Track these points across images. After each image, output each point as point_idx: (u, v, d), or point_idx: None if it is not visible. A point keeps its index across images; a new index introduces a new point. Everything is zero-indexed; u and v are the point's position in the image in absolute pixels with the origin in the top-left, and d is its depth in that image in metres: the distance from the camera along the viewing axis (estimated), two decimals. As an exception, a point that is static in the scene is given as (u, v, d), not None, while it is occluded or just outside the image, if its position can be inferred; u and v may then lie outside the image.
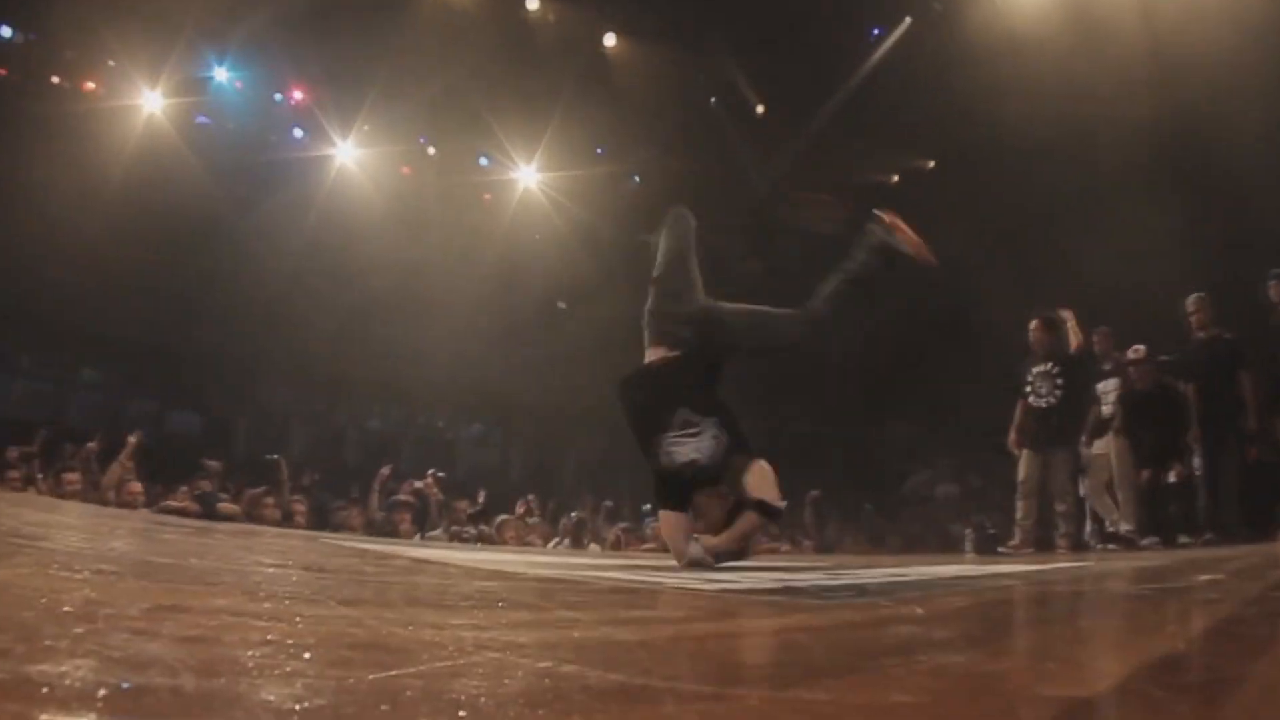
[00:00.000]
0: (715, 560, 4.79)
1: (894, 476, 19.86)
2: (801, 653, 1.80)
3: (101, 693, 0.99)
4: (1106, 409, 11.06)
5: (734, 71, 18.39)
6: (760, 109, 19.02)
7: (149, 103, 16.65)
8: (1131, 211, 13.55)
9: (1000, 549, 10.69)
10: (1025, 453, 10.40)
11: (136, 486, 10.34)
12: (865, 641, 1.98)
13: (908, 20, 16.78)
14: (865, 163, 18.99)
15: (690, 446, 4.91)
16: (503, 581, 3.33)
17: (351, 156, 18.49)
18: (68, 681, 1.00)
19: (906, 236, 5.67)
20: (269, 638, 1.41)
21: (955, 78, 14.87)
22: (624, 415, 5.38)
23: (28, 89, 16.17)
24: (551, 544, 12.18)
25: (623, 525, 13.26)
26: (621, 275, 14.13)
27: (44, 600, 1.63)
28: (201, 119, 17.77)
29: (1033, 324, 10.58)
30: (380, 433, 21.75)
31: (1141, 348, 10.74)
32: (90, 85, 16.62)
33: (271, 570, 3.02)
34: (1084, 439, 11.00)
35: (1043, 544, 10.30)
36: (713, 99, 19.24)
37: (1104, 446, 10.95)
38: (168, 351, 18.02)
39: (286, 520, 10.99)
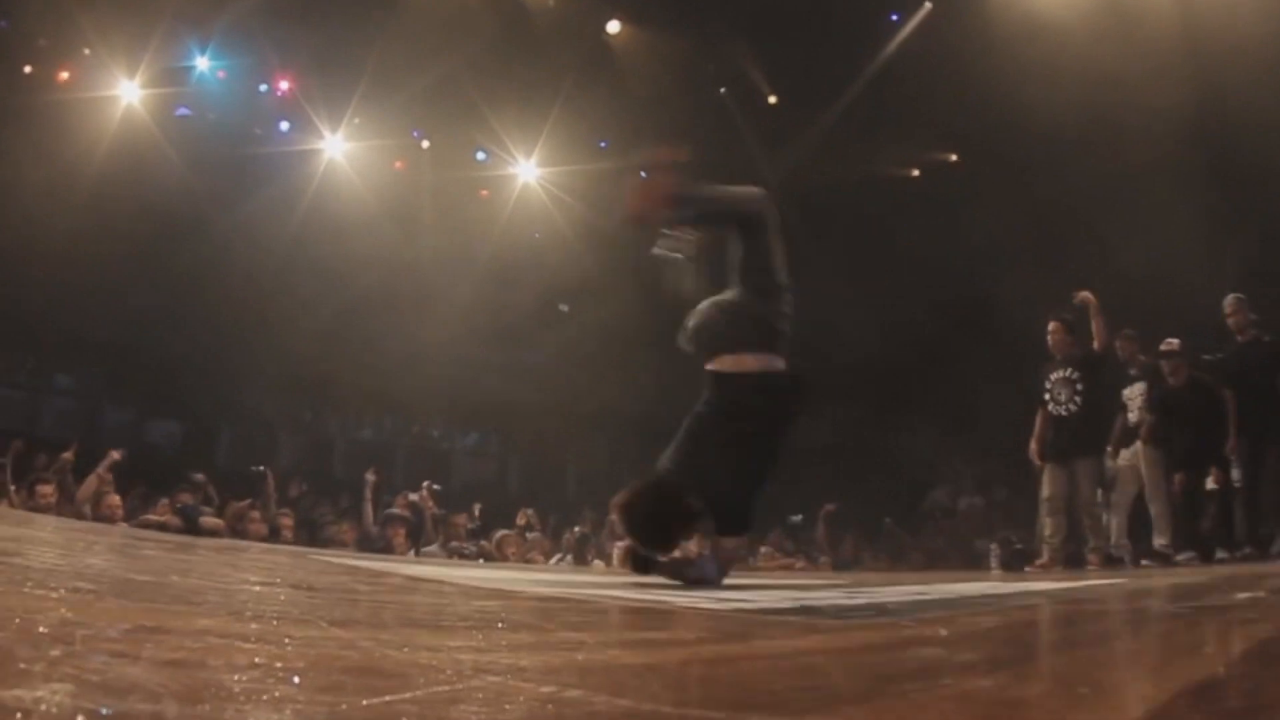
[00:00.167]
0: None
1: (915, 489, 19.82)
2: (819, 677, 1.80)
3: (79, 719, 0.99)
4: (1133, 416, 11.02)
5: (744, 60, 18.36)
6: (772, 99, 18.99)
7: (126, 93, 16.62)
8: (1164, 204, 13.52)
9: (1027, 568, 10.67)
10: (1048, 467, 10.36)
11: (115, 499, 10.34)
12: (886, 664, 1.97)
13: (927, 4, 16.76)
14: (883, 156, 18.99)
15: None
16: (502, 601, 3.34)
17: (341, 150, 18.48)
18: (44, 707, 1.00)
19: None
20: (256, 661, 1.41)
21: (978, 65, 14.84)
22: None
23: (-2, 78, 16.16)
24: (553, 560, 12.18)
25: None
26: (626, 275, 14.14)
27: (18, 620, 1.63)
28: (182, 111, 17.75)
29: (1051, 326, 10.52)
30: (371, 443, 21.76)
31: (1175, 341, 10.69)
32: (64, 75, 16.58)
33: (258, 589, 3.02)
34: (1109, 449, 10.96)
35: (1072, 560, 10.27)
36: (722, 89, 19.23)
37: (1130, 457, 10.92)
38: (146, 356, 18.04)
39: (273, 535, 11.00)
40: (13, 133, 15.04)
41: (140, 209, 16.04)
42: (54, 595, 2.04)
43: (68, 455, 10.96)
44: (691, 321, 5.30)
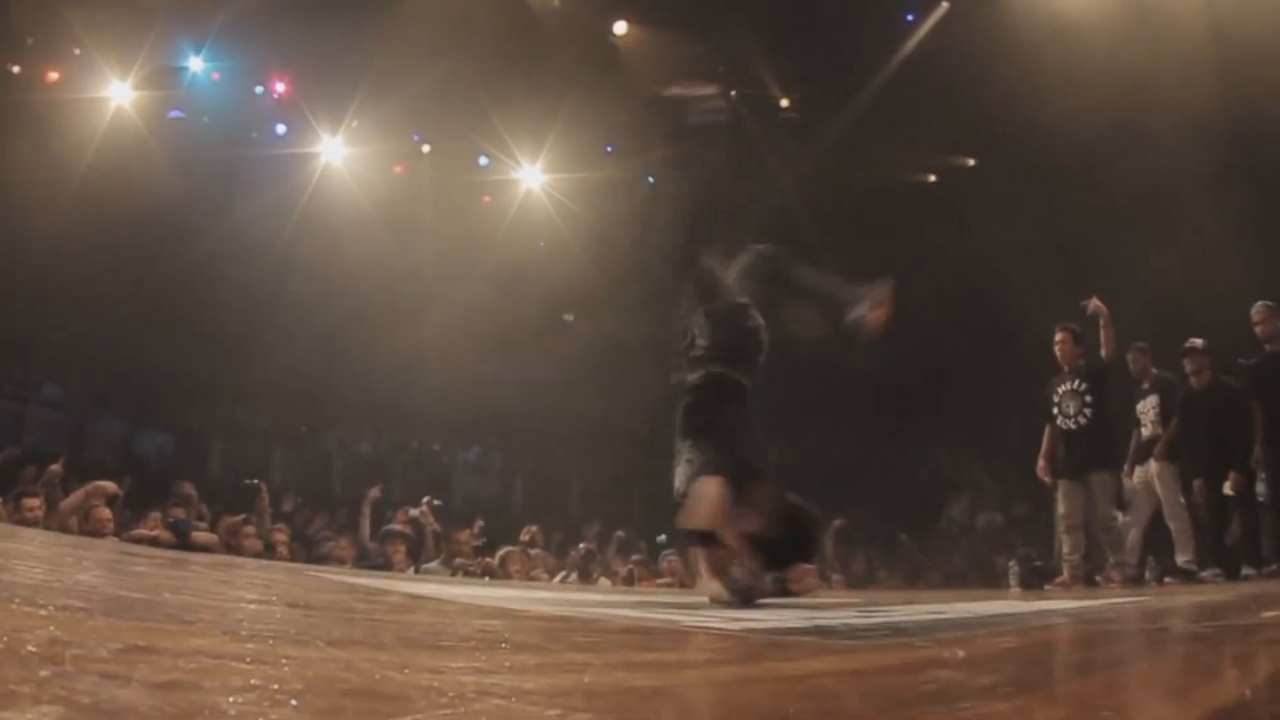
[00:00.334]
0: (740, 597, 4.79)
1: (931, 504, 19.80)
2: (832, 700, 1.80)
3: (71, 743, 0.99)
4: (1146, 430, 11.01)
5: (756, 62, 18.37)
6: (785, 103, 19.00)
7: (117, 95, 16.58)
8: (1193, 213, 13.51)
9: (1047, 586, 10.64)
10: (1062, 484, 10.34)
11: (104, 513, 10.33)
12: (902, 687, 1.97)
13: (944, 3, 16.77)
14: (899, 161, 18.99)
15: (675, 475, 5.01)
16: (505, 620, 3.34)
17: (339, 154, 18.48)
18: (34, 731, 1.01)
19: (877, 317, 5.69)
20: (252, 682, 1.41)
21: (997, 66, 14.81)
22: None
23: (-16, 79, 16.17)
24: (557, 578, 12.18)
25: (635, 558, 13.26)
26: (632, 285, 14.12)
27: (5, 639, 1.62)
28: (175, 113, 17.73)
29: (1058, 336, 10.51)
30: (369, 457, 21.74)
31: (1199, 340, 10.68)
32: (53, 75, 16.53)
33: (253, 607, 3.03)
34: (1125, 468, 10.93)
35: (1093, 578, 10.25)
36: (733, 92, 19.23)
37: (1145, 474, 10.89)
38: (137, 366, 18.06)
39: (268, 551, 11.00)
40: (-1, 135, 15.07)
41: (131, 214, 15.99)
42: (42, 613, 2.04)
43: (56, 468, 10.94)
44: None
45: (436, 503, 13.39)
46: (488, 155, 19.45)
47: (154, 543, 9.22)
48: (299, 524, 13.72)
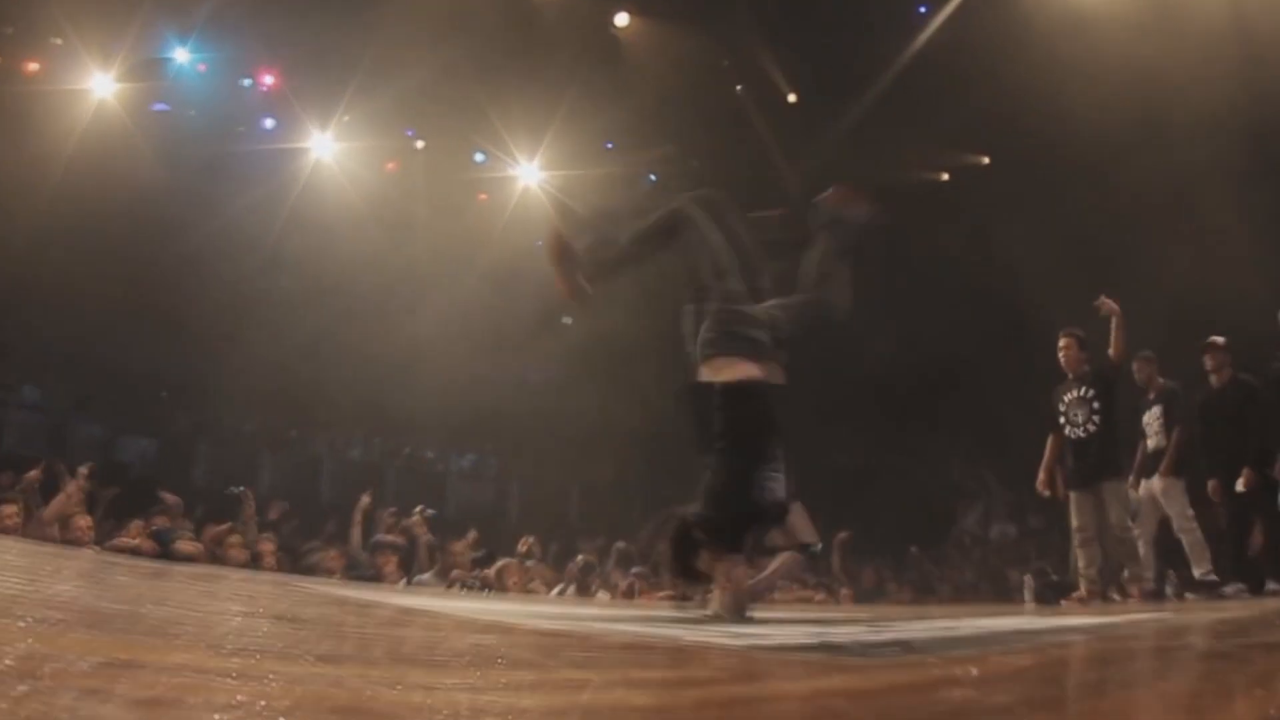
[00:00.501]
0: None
1: (943, 515, 19.79)
2: (841, 720, 1.79)
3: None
4: (1151, 442, 11.01)
5: (762, 55, 18.37)
6: (792, 98, 19.00)
7: (100, 87, 16.60)
8: (1213, 212, 13.51)
9: (1063, 601, 10.62)
10: (1073, 495, 10.32)
11: (84, 521, 10.33)
12: (913, 707, 1.97)
13: (958, -5, 16.79)
14: (910, 158, 18.99)
15: (779, 484, 4.93)
16: (501, 635, 3.34)
17: (329, 150, 18.51)
18: (11, 750, 1.00)
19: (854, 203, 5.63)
20: (237, 699, 1.41)
21: (1012, 60, 14.81)
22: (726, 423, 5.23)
23: (-39, 69, 16.17)
24: (555, 591, 12.17)
25: (636, 570, 13.24)
26: (632, 286, 14.10)
27: (-19, 654, 1.63)
28: (159, 106, 17.76)
29: (1062, 342, 10.48)
30: (360, 463, 21.72)
31: (1221, 338, 10.69)
32: (33, 66, 16.54)
33: (239, 620, 3.03)
34: (1130, 480, 10.92)
35: (1110, 593, 10.23)
36: (738, 87, 19.24)
37: (1150, 488, 10.87)
38: (119, 368, 18.06)
39: (254, 561, 10.98)
40: (-24, 128, 15.06)
41: (114, 210, 15.97)
42: (19, 625, 2.04)
43: (34, 474, 10.93)
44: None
45: (430, 512, 13.35)
46: (484, 151, 19.46)
47: (135, 552, 9.22)
48: (286, 533, 13.70)
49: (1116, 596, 10.10)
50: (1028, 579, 13.14)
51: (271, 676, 1.69)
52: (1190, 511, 10.42)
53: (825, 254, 5.71)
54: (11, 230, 14.84)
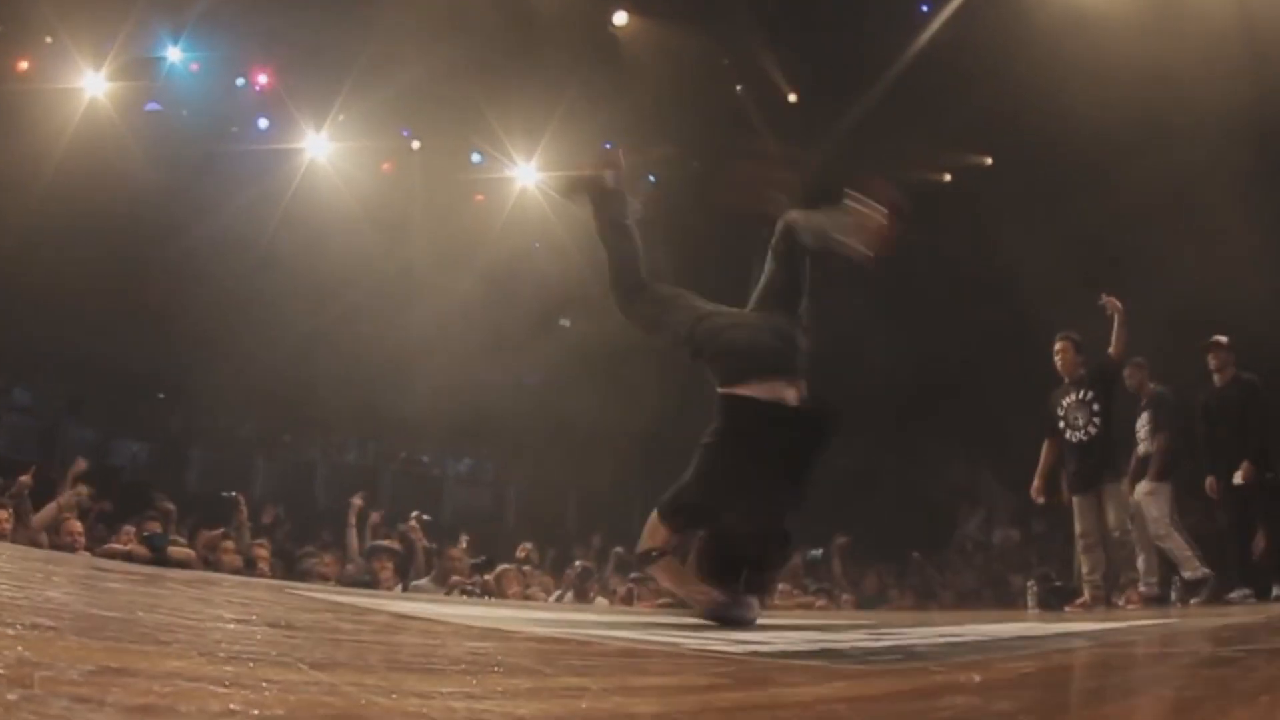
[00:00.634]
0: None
1: (945, 519, 19.78)
2: (842, 727, 1.79)
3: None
4: (1141, 448, 11.03)
5: (762, 54, 18.36)
6: (793, 97, 18.99)
7: (91, 86, 16.53)
8: (1219, 214, 13.51)
9: (1067, 608, 10.62)
10: (1076, 500, 10.33)
11: (76, 526, 10.32)
12: (915, 714, 1.97)
13: (961, -6, 16.78)
14: (912, 159, 18.98)
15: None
16: (497, 642, 3.34)
17: (324, 150, 18.48)
18: (1, 758, 1.00)
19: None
20: (231, 707, 1.41)
21: (1016, 60, 14.80)
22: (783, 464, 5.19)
23: (-51, 68, 16.14)
24: (552, 597, 12.17)
25: (634, 575, 13.23)
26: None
27: (-29, 662, 1.62)
28: (152, 105, 17.72)
29: (1058, 345, 10.51)
30: (355, 468, 21.72)
31: (1224, 337, 10.73)
32: (23, 64, 16.48)
33: (232, 626, 3.02)
34: (1124, 485, 10.93)
35: (1113, 599, 10.25)
36: (739, 86, 19.23)
37: (1143, 492, 10.88)
38: (111, 370, 18.06)
39: (248, 567, 10.97)
40: (-35, 128, 15.04)
41: (105, 211, 15.94)
42: (10, 632, 2.04)
43: (25, 478, 10.91)
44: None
45: (426, 518, 13.35)
46: (480, 152, 19.44)
47: (128, 558, 9.19)
48: (281, 538, 13.70)
49: (1120, 602, 10.12)
50: (1031, 585, 13.13)
51: (266, 684, 1.68)
52: (1167, 519, 10.45)
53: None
54: (2, 231, 14.82)
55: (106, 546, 10.20)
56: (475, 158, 19.60)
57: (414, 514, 13.18)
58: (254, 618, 3.47)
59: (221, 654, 2.10)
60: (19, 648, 1.82)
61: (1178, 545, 10.35)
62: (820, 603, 12.92)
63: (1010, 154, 17.76)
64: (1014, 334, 15.80)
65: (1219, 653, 3.99)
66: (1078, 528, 10.33)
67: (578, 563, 13.49)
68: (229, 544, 11.29)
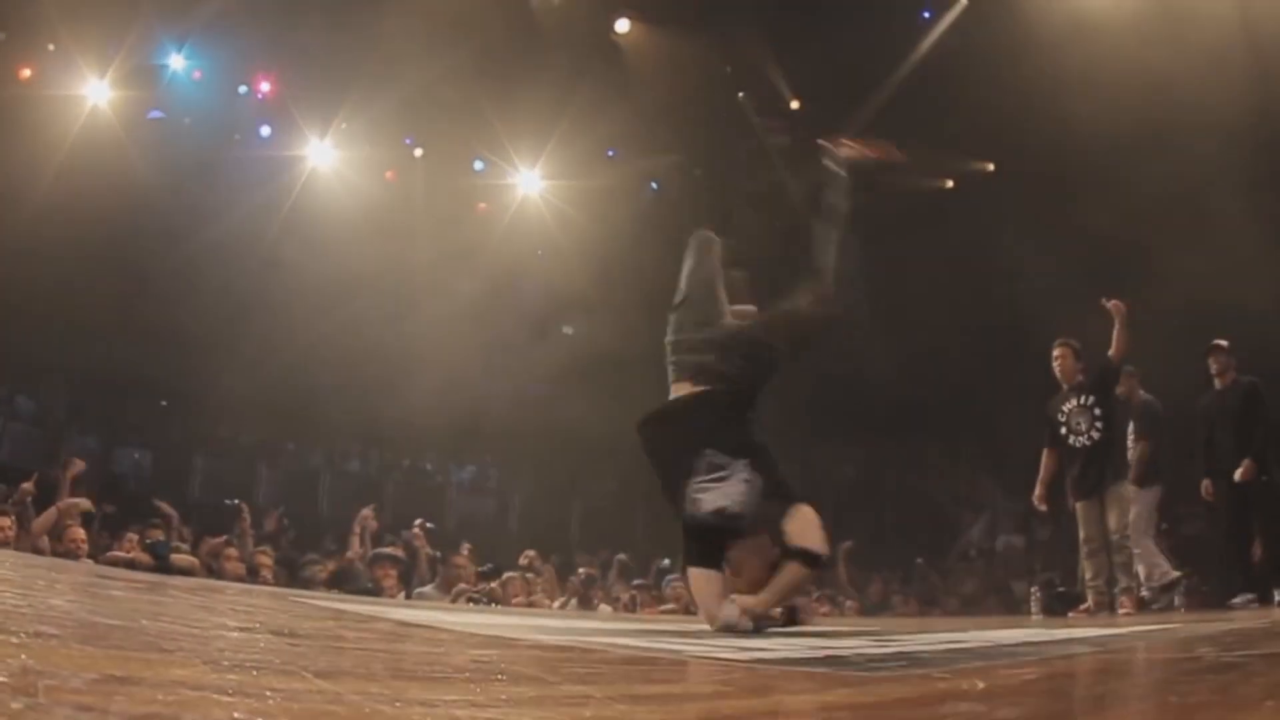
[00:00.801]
0: (754, 624, 4.77)
1: (948, 526, 19.77)
2: (847, 734, 1.79)
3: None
4: (1130, 455, 11.06)
5: (765, 62, 18.35)
6: (795, 105, 18.99)
7: (94, 93, 16.52)
8: (1222, 218, 13.50)
9: (1071, 613, 10.61)
10: (1080, 505, 10.31)
11: (79, 533, 10.31)
12: (920, 721, 1.97)
13: (962, 0, 16.77)
14: (914, 165, 18.95)
15: (718, 492, 4.92)
16: (501, 650, 3.33)
17: (326, 158, 18.50)
18: (6, 767, 1.00)
19: (855, 149, 5.71)
20: (235, 715, 1.41)
21: (1018, 66, 14.80)
22: (648, 460, 5.38)
23: (-48, 76, 16.13)
24: (556, 605, 12.16)
25: (638, 583, 13.22)
26: (634, 296, 14.09)
27: (-25, 670, 1.62)
28: (154, 113, 17.73)
29: (1057, 351, 10.48)
30: (359, 476, 21.69)
31: (1224, 341, 10.74)
32: (26, 72, 16.46)
33: (236, 635, 3.02)
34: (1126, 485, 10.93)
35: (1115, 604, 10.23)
36: (740, 93, 19.22)
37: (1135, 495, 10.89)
38: (114, 379, 18.05)
39: (251, 575, 10.96)
40: (-33, 135, 15.03)
41: (108, 219, 15.90)
42: (13, 640, 2.04)
43: (28, 486, 10.91)
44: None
45: (430, 526, 13.35)
46: (483, 160, 19.45)
47: (131, 565, 9.19)
48: (284, 546, 13.68)
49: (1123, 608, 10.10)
50: (1035, 591, 13.11)
51: (269, 693, 1.68)
52: (1143, 524, 10.48)
53: (818, 244, 5.77)
54: (4, 238, 14.81)
55: (110, 554, 10.20)
56: (478, 166, 19.60)
57: (418, 521, 13.18)
58: (257, 625, 3.47)
59: (225, 662, 2.10)
60: (23, 656, 1.82)
61: (1146, 551, 10.37)
62: (823, 609, 12.90)
63: (1012, 161, 17.75)
64: (1018, 341, 15.78)
65: (1222, 658, 3.98)
66: (1081, 533, 10.30)
67: (581, 570, 13.47)
68: (232, 551, 11.28)
